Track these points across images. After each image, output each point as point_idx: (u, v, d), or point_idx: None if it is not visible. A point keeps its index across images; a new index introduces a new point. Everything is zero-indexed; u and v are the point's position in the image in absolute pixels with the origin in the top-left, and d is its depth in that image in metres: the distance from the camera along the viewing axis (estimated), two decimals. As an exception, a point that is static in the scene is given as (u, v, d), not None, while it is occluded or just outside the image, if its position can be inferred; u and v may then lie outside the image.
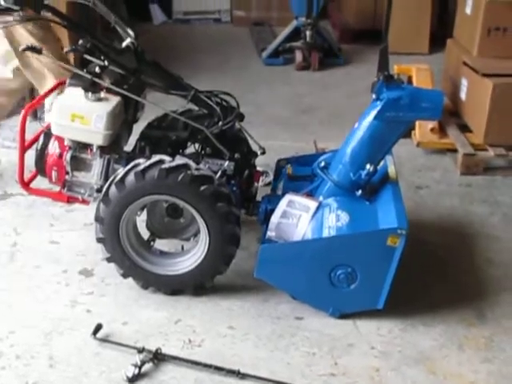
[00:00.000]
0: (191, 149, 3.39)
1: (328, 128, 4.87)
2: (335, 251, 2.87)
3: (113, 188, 2.90)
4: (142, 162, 2.90)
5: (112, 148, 3.13)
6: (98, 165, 3.15)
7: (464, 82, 4.66)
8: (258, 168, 3.82)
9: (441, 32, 6.20)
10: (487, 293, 3.21)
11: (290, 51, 6.27)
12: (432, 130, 4.52)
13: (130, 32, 3.07)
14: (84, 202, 3.24)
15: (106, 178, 3.08)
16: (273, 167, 3.65)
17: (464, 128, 4.60)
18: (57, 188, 3.28)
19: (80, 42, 2.92)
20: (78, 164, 3.17)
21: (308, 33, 6.09)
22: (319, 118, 5.10)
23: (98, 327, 2.88)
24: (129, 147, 3.34)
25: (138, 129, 3.37)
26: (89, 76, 2.97)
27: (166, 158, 2.91)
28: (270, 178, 3.95)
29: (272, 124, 4.99)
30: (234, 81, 5.76)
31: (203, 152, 3.28)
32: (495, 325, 3.01)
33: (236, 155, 3.20)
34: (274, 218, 3.06)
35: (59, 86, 3.38)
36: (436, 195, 3.94)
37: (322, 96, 5.56)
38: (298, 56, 6.17)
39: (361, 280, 2.89)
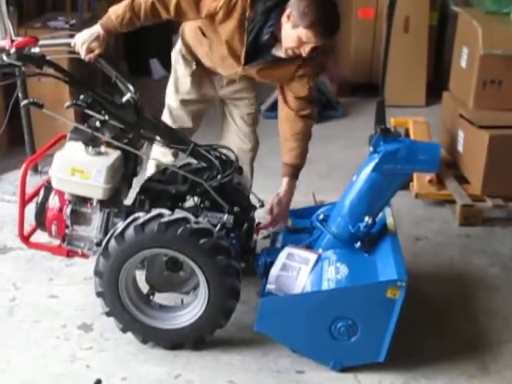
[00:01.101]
0: (190, 202, 3.40)
1: (327, 180, 4.89)
2: (335, 304, 2.87)
3: (112, 242, 2.91)
4: (142, 216, 2.91)
5: (112, 202, 3.14)
6: (97, 219, 3.15)
7: (461, 134, 4.70)
8: (258, 221, 3.85)
9: (437, 84, 6.26)
10: (489, 344, 3.20)
11: (289, 104, 6.32)
12: (430, 181, 4.55)
13: (130, 87, 3.11)
14: (84, 255, 3.24)
15: (106, 232, 3.08)
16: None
17: (462, 179, 4.63)
18: (56, 242, 3.28)
19: (81, 96, 2.96)
20: (78, 218, 3.17)
21: (306, 86, 6.15)
22: (318, 171, 5.11)
23: (97, 383, 2.85)
24: (128, 201, 3.36)
25: (137, 182, 3.39)
26: (89, 130, 3.00)
27: (166, 211, 2.93)
28: (268, 230, 3.97)
29: (271, 176, 4.96)
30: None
31: (202, 205, 3.30)
32: (498, 377, 3.00)
33: (235, 208, 3.21)
34: (274, 271, 3.06)
35: (60, 140, 3.41)
36: (435, 246, 3.94)
37: (320, 148, 5.55)
38: (296, 109, 6.23)
39: (361, 332, 2.88)
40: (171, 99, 3.68)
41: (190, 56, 3.54)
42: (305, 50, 3.03)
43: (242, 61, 3.21)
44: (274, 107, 6.33)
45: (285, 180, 3.52)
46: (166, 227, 2.85)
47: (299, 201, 4.37)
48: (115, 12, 3.17)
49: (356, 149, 5.30)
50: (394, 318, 2.81)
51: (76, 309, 3.41)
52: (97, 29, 3.15)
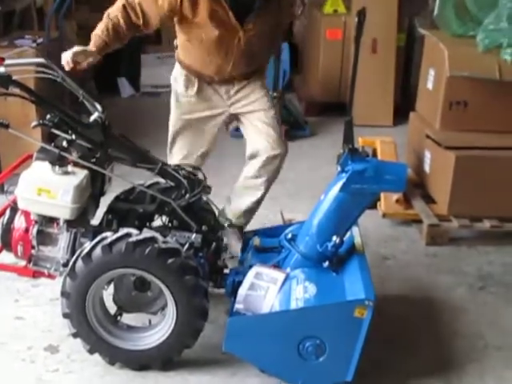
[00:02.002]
0: (158, 222, 3.39)
1: (295, 199, 4.91)
2: (303, 323, 2.86)
3: (79, 262, 2.89)
4: (109, 236, 2.89)
5: (79, 222, 3.11)
6: (64, 239, 3.12)
7: (427, 155, 4.75)
8: (225, 239, 3.85)
9: (404, 104, 6.33)
10: (455, 364, 3.22)
11: (257, 124, 6.35)
12: (397, 201, 4.59)
13: (98, 106, 3.11)
14: (50, 276, 3.21)
15: (73, 252, 3.05)
16: (240, 239, 3.66)
17: (428, 199, 4.67)
18: (22, 263, 3.24)
19: (48, 116, 2.94)
20: (45, 238, 3.14)
21: (275, 106, 6.18)
22: (286, 189, 5.13)
23: (63, 406, 2.83)
24: (96, 220, 3.33)
25: (105, 202, 3.38)
26: (56, 150, 2.98)
27: (133, 231, 2.92)
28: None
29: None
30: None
31: (170, 224, 3.29)
32: (464, 396, 3.01)
33: (203, 227, 3.21)
34: (242, 291, 3.05)
35: (26, 160, 3.38)
36: (402, 266, 3.97)
37: (288, 167, 5.51)
38: (265, 128, 6.25)
39: (329, 352, 2.88)
40: (179, 126, 3.87)
41: (193, 74, 3.66)
42: None
43: (237, 22, 3.29)
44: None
45: None
46: (133, 247, 2.83)
47: (268, 219, 4.41)
48: (99, 29, 3.32)
49: (324, 168, 5.33)
50: (361, 338, 2.81)
51: (42, 330, 3.37)
52: (88, 47, 3.31)
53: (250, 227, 3.86)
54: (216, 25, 3.28)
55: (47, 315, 3.46)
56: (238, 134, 6.31)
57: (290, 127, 6.29)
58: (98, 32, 3.30)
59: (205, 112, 3.69)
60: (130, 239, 2.85)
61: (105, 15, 3.33)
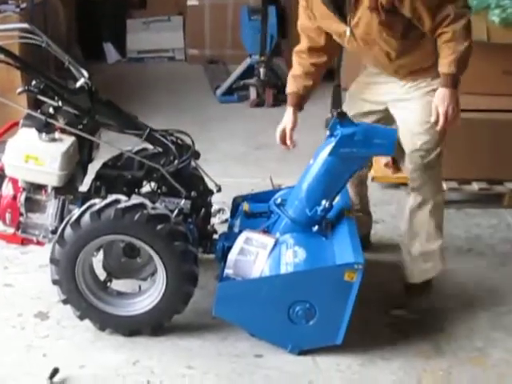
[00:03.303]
0: (147, 188, 3.38)
1: (283, 164, 4.89)
2: (293, 287, 2.88)
3: (68, 229, 2.88)
4: (98, 202, 2.88)
5: (67, 189, 3.10)
6: (52, 206, 3.11)
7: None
8: (215, 205, 3.85)
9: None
10: (442, 325, 3.25)
11: (245, 88, 6.32)
12: (386, 164, 4.59)
13: (84, 72, 3.08)
14: (39, 243, 3.20)
15: (61, 220, 3.05)
16: (229, 204, 3.66)
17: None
18: (11, 230, 3.22)
19: (33, 82, 2.91)
20: (33, 205, 3.12)
21: (262, 70, 6.14)
22: (275, 155, 5.10)
23: (55, 371, 2.83)
24: (84, 187, 3.32)
25: (93, 169, 3.35)
26: (42, 117, 2.95)
27: (122, 197, 2.91)
28: (227, 215, 3.96)
29: (228, 161, 5.01)
30: (189, 119, 5.76)
31: (159, 191, 3.28)
32: (452, 357, 3.05)
33: (192, 193, 3.21)
34: (232, 256, 3.05)
35: (12, 127, 3.35)
36: (392, 229, 3.97)
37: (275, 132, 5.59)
38: (252, 93, 6.22)
39: (319, 316, 2.90)
40: None
41: None
42: None
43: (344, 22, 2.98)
44: (229, 91, 6.38)
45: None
46: (122, 213, 2.82)
47: (257, 184, 4.40)
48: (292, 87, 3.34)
49: (312, 132, 5.25)
50: (351, 301, 2.83)
51: (32, 297, 3.36)
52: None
53: (239, 192, 3.85)
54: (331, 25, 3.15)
55: (36, 282, 3.44)
56: (226, 98, 6.33)
57: (278, 91, 6.25)
58: (294, 89, 3.31)
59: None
60: (119, 205, 2.84)
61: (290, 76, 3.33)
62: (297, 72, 3.29)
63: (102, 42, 7.54)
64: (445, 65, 2.88)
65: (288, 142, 3.37)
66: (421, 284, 3.35)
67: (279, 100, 6.21)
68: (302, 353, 3.00)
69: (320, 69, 3.29)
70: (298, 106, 3.35)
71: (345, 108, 3.23)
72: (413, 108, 3.10)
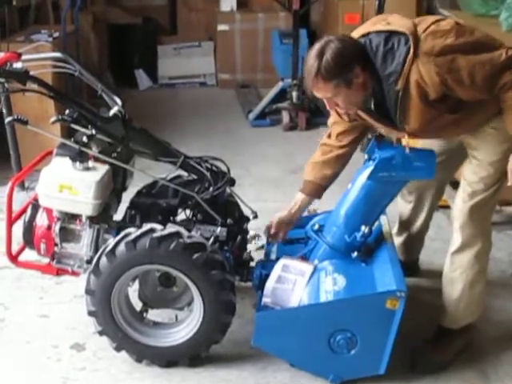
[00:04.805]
0: (182, 215, 3.33)
1: (318, 188, 4.82)
2: (333, 316, 2.80)
3: (103, 259, 2.83)
4: (133, 232, 2.84)
5: (101, 218, 3.06)
6: (87, 235, 3.08)
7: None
8: (251, 231, 3.78)
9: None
10: (488, 353, 3.14)
11: (277, 112, 6.28)
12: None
13: (117, 100, 3.05)
14: (74, 273, 3.16)
15: (96, 249, 3.02)
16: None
17: (456, 184, 4.54)
18: (45, 260, 3.20)
19: (66, 111, 2.89)
20: (67, 235, 3.10)
21: (294, 94, 6.10)
22: (309, 179, 5.05)
23: (92, 405, 2.79)
24: (118, 216, 3.28)
25: (127, 197, 3.32)
26: (76, 145, 2.92)
27: (157, 226, 2.86)
28: (262, 241, 3.89)
29: (262, 185, 4.96)
30: (222, 144, 5.74)
31: (194, 218, 3.23)
32: (499, 385, 2.94)
33: (228, 221, 3.15)
34: (269, 284, 2.99)
35: (46, 156, 3.33)
36: (431, 254, 3.86)
37: (311, 155, 5.42)
38: (285, 117, 6.18)
39: (361, 345, 2.82)
40: None
41: None
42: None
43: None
44: (262, 116, 6.34)
45: None
46: (158, 242, 2.78)
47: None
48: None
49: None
50: (393, 330, 2.75)
51: (67, 328, 3.32)
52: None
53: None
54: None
55: (72, 312, 3.41)
56: (258, 122, 6.29)
57: (311, 115, 6.21)
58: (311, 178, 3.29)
59: None
60: (155, 235, 2.79)
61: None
62: (317, 159, 3.24)
63: (133, 69, 7.57)
64: (510, 127, 2.68)
65: (271, 232, 3.24)
66: (457, 330, 3.11)
67: (312, 123, 6.18)
68: (344, 383, 2.91)
69: (345, 158, 3.17)
70: (313, 196, 3.24)
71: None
72: (488, 141, 2.85)
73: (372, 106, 2.76)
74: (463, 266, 3.01)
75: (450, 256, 3.06)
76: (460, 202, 2.97)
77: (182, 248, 2.78)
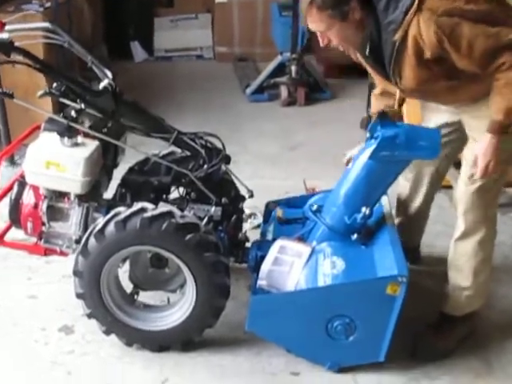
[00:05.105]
0: (176, 194, 3.20)
1: (317, 165, 4.70)
2: (331, 301, 2.69)
3: (92, 239, 2.71)
4: (123, 211, 2.71)
5: (91, 196, 2.94)
6: (76, 214, 2.96)
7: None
8: (247, 210, 3.68)
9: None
10: (492, 340, 3.04)
11: (275, 87, 6.13)
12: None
13: (108, 72, 2.91)
14: (62, 253, 3.04)
15: (86, 228, 2.89)
16: (261, 209, 3.49)
17: (459, 165, 4.41)
18: (33, 239, 3.07)
19: (54, 84, 2.75)
20: (55, 214, 2.97)
21: (293, 68, 5.95)
22: (308, 155, 4.93)
23: (79, 392, 2.68)
24: (109, 193, 3.16)
25: (118, 174, 3.19)
26: (64, 120, 2.79)
27: (149, 205, 2.73)
28: (259, 220, 3.79)
29: (259, 162, 4.83)
30: (219, 119, 5.60)
31: (188, 197, 3.10)
32: (503, 375, 2.83)
33: (223, 200, 3.02)
34: (265, 266, 2.87)
35: (34, 131, 3.19)
36: (433, 237, 3.74)
37: (309, 132, 5.41)
38: (284, 92, 6.03)
39: (360, 331, 2.71)
40: None
41: None
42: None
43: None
44: (260, 90, 6.19)
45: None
46: (149, 223, 2.65)
47: (290, 186, 4.22)
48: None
49: (346, 132, 5.12)
50: (394, 316, 2.64)
51: (56, 309, 3.21)
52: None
53: (270, 196, 3.67)
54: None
55: (61, 293, 3.29)
56: (256, 97, 6.14)
57: (310, 90, 6.07)
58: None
59: None
60: (145, 214, 2.67)
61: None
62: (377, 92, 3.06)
63: (128, 41, 7.41)
64: (494, 111, 2.54)
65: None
66: (460, 317, 3.00)
67: (312, 99, 6.03)
68: (342, 370, 2.82)
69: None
70: None
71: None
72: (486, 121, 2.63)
73: (368, 51, 2.65)
74: (467, 253, 2.89)
75: (454, 243, 2.94)
76: (462, 186, 2.84)
77: (174, 228, 2.66)
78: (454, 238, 2.93)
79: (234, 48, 7.38)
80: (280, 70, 6.11)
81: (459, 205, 2.87)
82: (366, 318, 2.69)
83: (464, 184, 2.82)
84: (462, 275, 2.93)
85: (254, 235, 3.33)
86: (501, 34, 2.40)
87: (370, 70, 2.81)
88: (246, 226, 3.85)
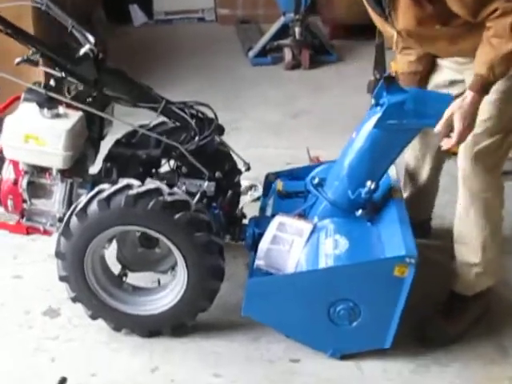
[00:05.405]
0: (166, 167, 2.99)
1: (322, 133, 4.45)
2: (334, 284, 2.49)
3: (74, 219, 2.51)
4: (107, 188, 2.51)
5: (74, 171, 2.73)
6: (59, 191, 2.75)
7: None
8: (246, 181, 3.47)
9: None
10: (507, 323, 2.83)
11: (279, 50, 5.84)
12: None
13: (90, 37, 2.67)
14: (46, 232, 2.84)
15: (70, 206, 2.68)
16: (261, 180, 3.27)
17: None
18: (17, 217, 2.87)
19: (30, 52, 2.53)
20: (37, 190, 2.76)
21: (297, 29, 5.66)
22: (312, 122, 4.69)
23: (62, 381, 2.50)
24: (96, 168, 2.94)
25: (107, 145, 2.97)
26: (42, 90, 2.57)
27: (134, 182, 2.53)
28: (259, 192, 3.58)
29: (261, 130, 4.59)
30: (220, 84, 5.34)
31: (179, 171, 2.88)
32: (520, 361, 2.63)
33: (217, 174, 2.80)
34: (263, 244, 2.67)
35: (14, 102, 2.97)
36: (442, 207, 3.50)
37: (314, 97, 5.15)
38: (287, 54, 5.75)
39: (364, 316, 2.51)
40: None
41: None
42: None
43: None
44: (263, 53, 5.93)
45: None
46: (134, 201, 2.45)
47: (292, 155, 3.99)
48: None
49: (352, 97, 4.87)
50: (401, 300, 2.44)
51: (41, 289, 3.02)
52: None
53: (272, 165, 3.45)
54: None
55: (47, 273, 3.05)
56: (259, 61, 5.89)
57: (315, 52, 5.79)
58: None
59: None
60: (131, 192, 2.46)
61: None
62: None
63: (127, 4, 7.12)
64: (479, 64, 2.30)
65: None
66: (471, 296, 2.79)
67: (316, 61, 5.76)
68: (345, 357, 2.62)
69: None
70: None
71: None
72: None
73: None
74: (472, 226, 2.67)
75: (458, 215, 2.71)
76: (462, 148, 2.61)
77: (162, 207, 2.45)
78: (457, 210, 2.70)
79: (237, 10, 7.07)
80: (283, 31, 5.82)
81: (460, 171, 2.65)
82: (371, 302, 2.49)
83: (464, 146, 2.57)
84: (468, 250, 2.71)
85: (253, 209, 3.13)
86: None
87: (370, 12, 2.56)
88: (246, 199, 3.65)
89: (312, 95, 5.18)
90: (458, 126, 2.35)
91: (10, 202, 2.79)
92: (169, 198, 2.48)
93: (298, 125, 4.68)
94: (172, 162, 2.94)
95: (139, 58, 5.81)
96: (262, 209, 3.05)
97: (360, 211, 2.65)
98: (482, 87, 2.32)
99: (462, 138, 2.39)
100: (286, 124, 4.71)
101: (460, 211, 2.72)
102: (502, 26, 2.22)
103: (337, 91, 5.21)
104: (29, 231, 2.86)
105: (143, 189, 2.48)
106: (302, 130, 4.56)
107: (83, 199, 2.52)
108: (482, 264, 2.70)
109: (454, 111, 2.36)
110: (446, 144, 2.43)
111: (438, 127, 2.39)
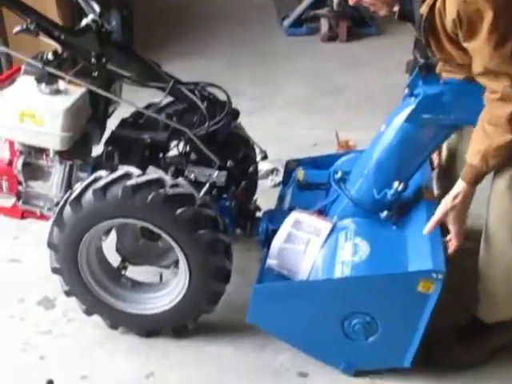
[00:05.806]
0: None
1: (355, 113, 4.16)
2: (350, 296, 2.23)
3: (67, 208, 2.29)
4: (104, 176, 2.27)
5: (74, 152, 2.49)
6: (57, 173, 2.53)
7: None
8: (267, 164, 3.22)
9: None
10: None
11: (315, 20, 5.53)
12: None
13: (95, 6, 2.43)
14: (43, 217, 2.63)
15: (68, 190, 2.45)
16: (284, 162, 3.01)
17: None
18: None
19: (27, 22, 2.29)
20: (33, 172, 2.55)
21: (335, -1, 5.35)
22: (346, 101, 4.39)
23: (49, 384, 2.29)
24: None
25: (113, 124, 2.73)
26: (39, 64, 2.33)
27: (134, 170, 2.28)
28: (280, 177, 3.33)
29: (290, 108, 4.30)
30: (252, 56, 5.06)
31: (188, 157, 2.63)
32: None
33: (229, 163, 2.54)
34: (276, 243, 2.44)
35: (16, 73, 2.74)
36: (479, 204, 3.16)
37: (350, 73, 4.84)
38: (324, 25, 5.43)
39: (382, 332, 2.25)
40: None
41: None
42: None
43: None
44: (298, 23, 5.61)
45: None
46: (132, 192, 2.21)
47: (320, 137, 3.71)
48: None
49: (391, 75, 4.57)
50: (425, 317, 2.16)
51: (39, 277, 2.81)
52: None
53: (297, 147, 3.15)
54: None
55: (47, 257, 2.88)
56: (294, 31, 5.58)
57: (354, 24, 5.46)
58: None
59: None
60: (129, 182, 2.22)
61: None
62: None
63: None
64: (473, 152, 2.08)
65: None
66: (493, 325, 2.43)
67: (354, 34, 5.43)
68: (359, 374, 2.37)
69: None
70: None
71: None
72: None
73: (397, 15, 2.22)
74: (499, 242, 2.31)
75: (484, 228, 2.36)
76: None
77: (162, 200, 2.21)
78: (483, 233, 2.34)
79: (274, -27, 6.75)
80: (321, 1, 5.50)
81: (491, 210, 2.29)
82: (391, 317, 2.23)
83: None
84: (494, 272, 2.35)
85: (272, 195, 2.90)
86: None
87: None
88: (267, 183, 3.40)
89: (348, 71, 4.87)
90: (455, 229, 2.19)
91: (4, 184, 2.58)
92: (171, 191, 2.23)
93: (330, 103, 4.38)
94: (182, 146, 2.68)
95: (170, 25, 5.55)
96: (281, 198, 2.80)
97: (385, 213, 2.39)
98: (476, 178, 2.12)
99: (461, 237, 2.20)
100: (317, 102, 4.41)
101: (485, 224, 2.38)
102: (498, 115, 1.98)
103: (375, 67, 4.90)
104: (24, 215, 2.66)
105: (143, 179, 2.23)
106: (334, 109, 4.27)
107: (78, 187, 2.29)
108: (506, 289, 2.38)
109: (448, 213, 2.16)
110: (450, 249, 2.23)
111: (427, 230, 2.20)
